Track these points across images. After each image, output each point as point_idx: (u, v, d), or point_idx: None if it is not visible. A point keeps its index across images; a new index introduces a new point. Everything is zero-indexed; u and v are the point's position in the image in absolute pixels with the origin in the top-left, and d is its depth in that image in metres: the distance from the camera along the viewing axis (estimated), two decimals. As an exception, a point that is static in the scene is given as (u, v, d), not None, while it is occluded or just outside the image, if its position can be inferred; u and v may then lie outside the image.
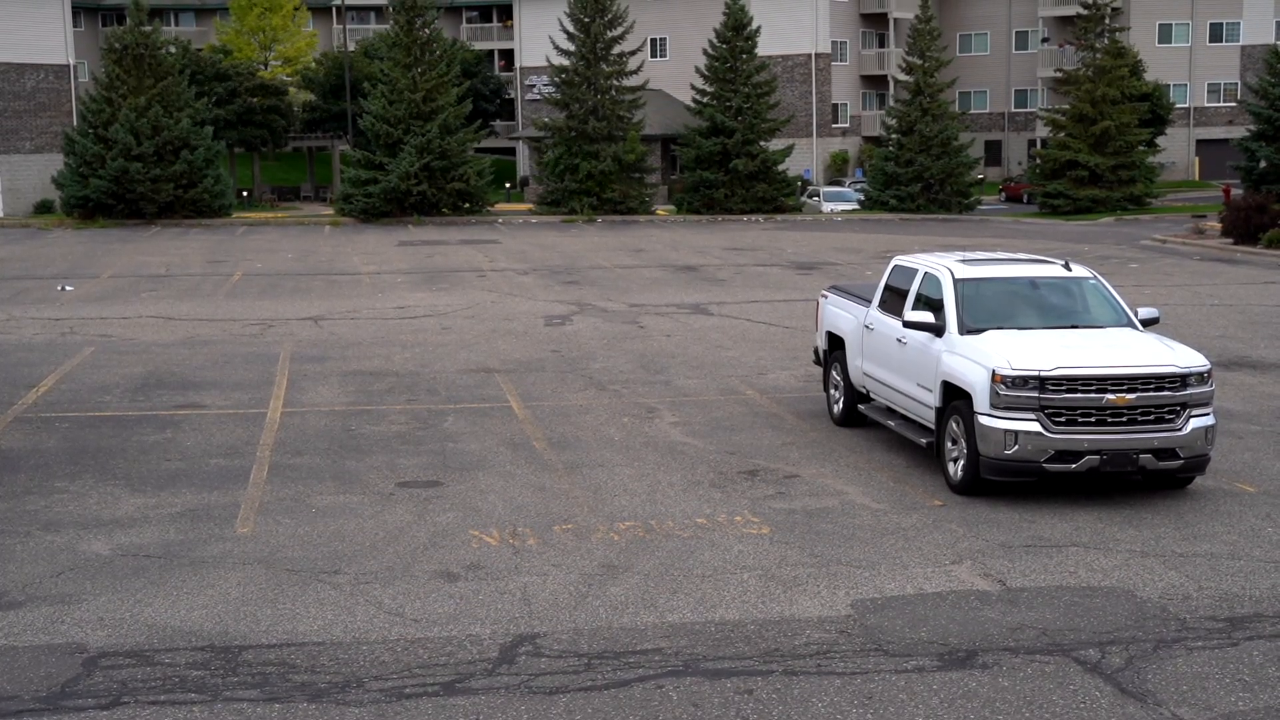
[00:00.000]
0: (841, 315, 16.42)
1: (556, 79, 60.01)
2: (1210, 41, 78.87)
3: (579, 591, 10.30)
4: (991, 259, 14.98)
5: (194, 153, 55.64)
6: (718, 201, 59.45)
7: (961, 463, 12.99)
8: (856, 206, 60.98)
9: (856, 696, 8.39)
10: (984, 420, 12.54)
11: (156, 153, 54.90)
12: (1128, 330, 13.62)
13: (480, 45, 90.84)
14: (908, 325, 14.04)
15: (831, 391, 16.67)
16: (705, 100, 60.06)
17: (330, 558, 11.16)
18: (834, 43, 74.34)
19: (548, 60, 61.31)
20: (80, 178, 54.77)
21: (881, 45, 78.57)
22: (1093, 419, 12.39)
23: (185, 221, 55.57)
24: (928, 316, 13.78)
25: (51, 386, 19.01)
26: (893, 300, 14.99)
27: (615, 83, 59.33)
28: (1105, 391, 12.35)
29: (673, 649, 9.15)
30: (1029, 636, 9.36)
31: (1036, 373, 12.37)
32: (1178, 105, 76.22)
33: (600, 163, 57.99)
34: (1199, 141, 79.53)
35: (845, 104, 76.40)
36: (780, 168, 60.28)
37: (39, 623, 9.66)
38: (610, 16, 59.04)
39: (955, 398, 13.17)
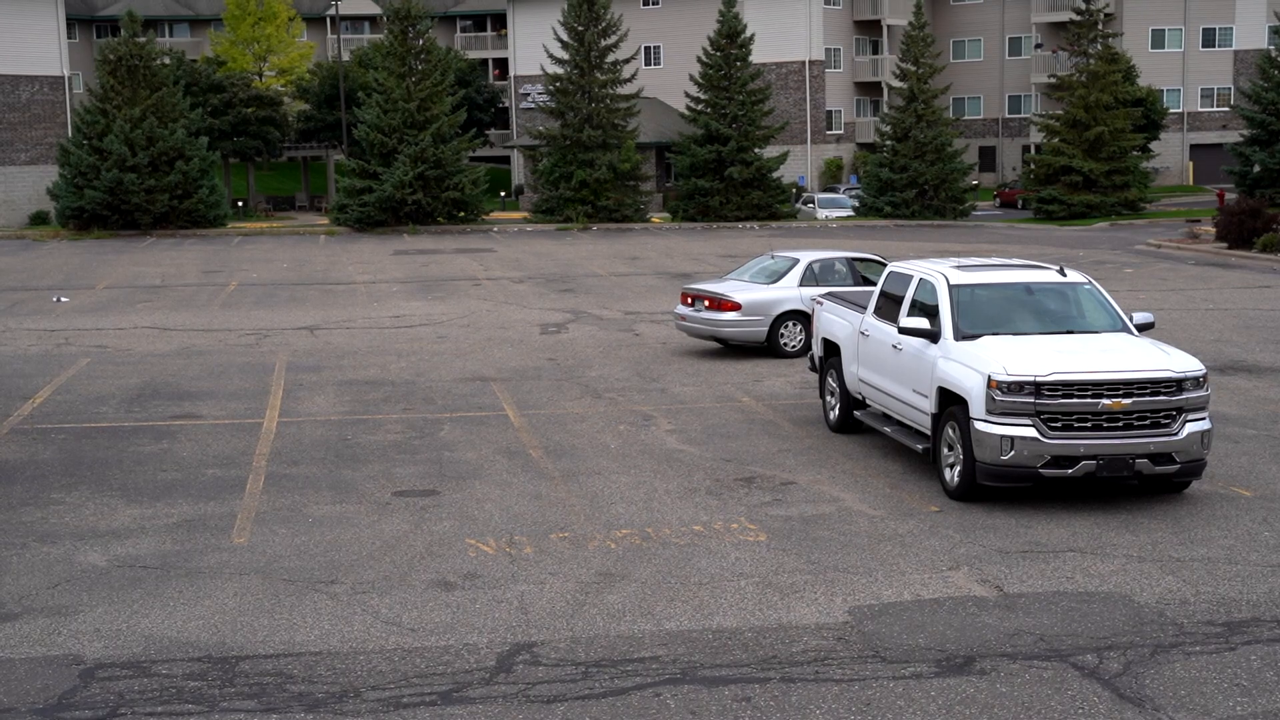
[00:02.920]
0: (837, 322, 16.43)
1: (551, 87, 60.05)
2: (1203, 46, 79.11)
3: (576, 600, 10.29)
4: (986, 265, 14.98)
5: (189, 163, 55.64)
6: (713, 209, 59.50)
7: (958, 468, 13.00)
8: (851, 213, 61.05)
9: (854, 703, 8.38)
10: (980, 426, 12.55)
11: (151, 163, 54.90)
12: (1123, 335, 13.62)
13: (474, 54, 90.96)
14: (903, 331, 14.04)
15: (827, 398, 16.68)
16: (700, 108, 60.12)
17: (327, 567, 11.15)
18: (828, 50, 74.48)
19: (542, 69, 61.37)
20: (75, 189, 54.76)
21: (875, 52, 78.70)
22: (1089, 424, 12.39)
23: (180, 232, 55.55)
24: (923, 323, 13.79)
25: (47, 398, 18.99)
26: (888, 306, 15.00)
27: (609, 91, 59.36)
28: (1101, 397, 12.36)
29: (670, 657, 9.14)
30: (1026, 642, 9.36)
31: (1032, 378, 12.38)
32: (1171, 110, 76.44)
33: (595, 171, 58.02)
34: (1193, 146, 79.73)
35: (839, 111, 76.52)
36: (775, 175, 60.32)
37: (35, 634, 9.64)
38: (604, 25, 59.09)
39: (951, 404, 13.17)
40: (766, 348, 21.89)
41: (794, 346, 21.75)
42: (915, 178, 59.45)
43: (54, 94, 62.57)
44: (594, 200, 58.62)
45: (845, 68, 76.79)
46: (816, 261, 22.27)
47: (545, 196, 60.15)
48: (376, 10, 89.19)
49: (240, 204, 68.57)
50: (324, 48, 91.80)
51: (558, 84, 59.47)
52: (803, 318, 21.38)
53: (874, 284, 21.75)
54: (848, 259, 22.48)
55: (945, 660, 9.05)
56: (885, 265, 21.83)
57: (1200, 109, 79.72)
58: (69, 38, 69.24)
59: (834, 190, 68.67)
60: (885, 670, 8.89)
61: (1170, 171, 78.52)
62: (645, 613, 10.00)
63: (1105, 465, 12.40)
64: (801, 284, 21.74)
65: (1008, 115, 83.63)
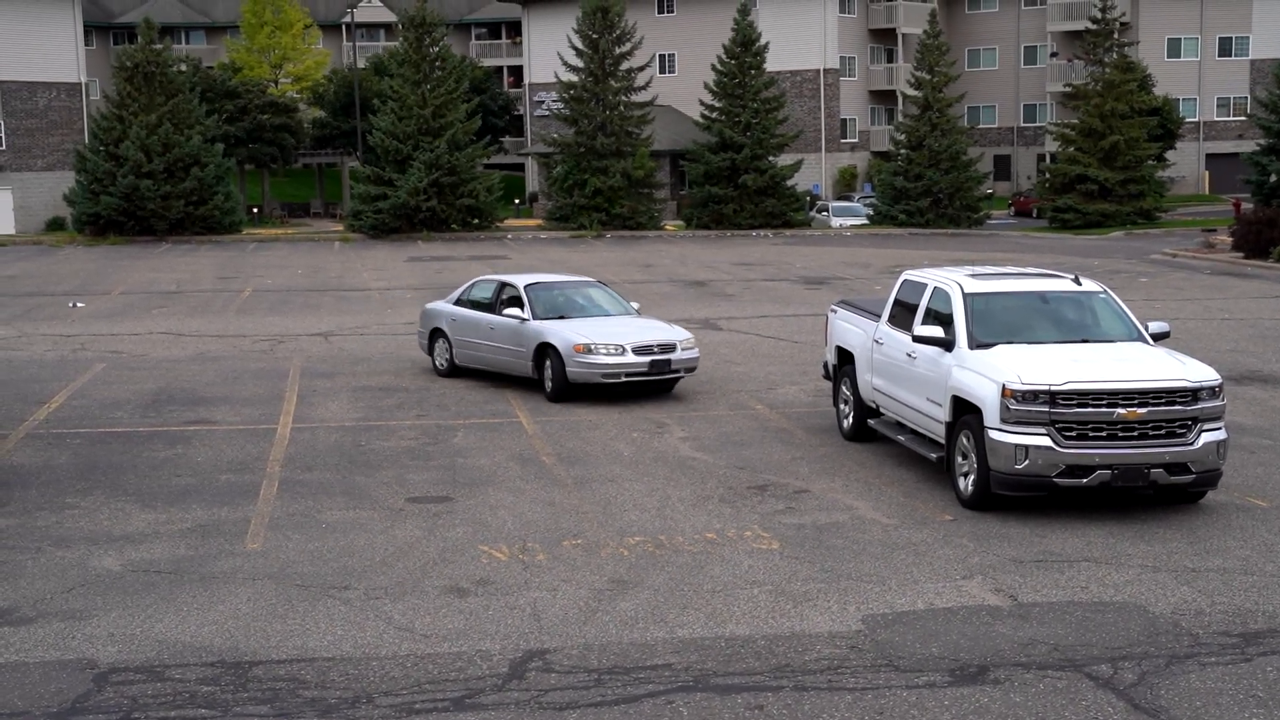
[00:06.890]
0: (851, 330, 16.40)
1: (565, 95, 60.14)
2: (1219, 56, 78.88)
3: (589, 607, 10.29)
4: (1001, 273, 14.97)
5: (204, 170, 55.85)
6: (726, 217, 59.49)
7: (972, 478, 12.96)
8: (865, 221, 61.00)
9: (867, 712, 8.36)
10: (994, 435, 12.52)
11: (167, 170, 55.11)
12: (1138, 344, 13.58)
13: (489, 62, 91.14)
14: (917, 340, 14.02)
15: (841, 406, 16.65)
16: (714, 116, 60.14)
17: (340, 573, 11.16)
18: (842, 58, 74.41)
19: (556, 76, 61.47)
20: (91, 195, 55.00)
21: (890, 60, 78.63)
22: (1104, 434, 12.35)
23: (196, 238, 55.76)
24: (937, 331, 13.76)
25: (63, 403, 19.05)
26: (902, 315, 14.98)
27: (624, 98, 59.45)
28: (1116, 406, 12.32)
29: (683, 664, 9.12)
30: (1041, 652, 9.33)
31: (1047, 387, 12.34)
32: (1187, 119, 76.22)
33: (609, 178, 58.07)
34: (1209, 155, 79.48)
35: (854, 119, 76.44)
36: (789, 183, 60.30)
37: (50, 638, 9.66)
38: (618, 33, 59.17)
39: (965, 412, 13.14)
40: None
41: (441, 365, 21.32)
42: (930, 186, 59.39)
43: (71, 101, 62.86)
44: (608, 208, 58.67)
45: (860, 76, 76.71)
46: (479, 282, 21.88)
47: (559, 204, 60.21)
48: (392, 18, 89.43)
49: (255, 210, 68.72)
50: (339, 55, 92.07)
51: (572, 91, 59.55)
52: (443, 336, 21.26)
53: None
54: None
55: (959, 669, 9.02)
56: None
57: (1216, 118, 79.49)
58: (86, 45, 69.56)
59: (848, 199, 68.61)
60: (898, 679, 8.86)
61: (1186, 181, 78.28)
62: (658, 620, 9.98)
63: (1120, 475, 12.36)
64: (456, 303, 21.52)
65: (1023, 124, 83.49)
